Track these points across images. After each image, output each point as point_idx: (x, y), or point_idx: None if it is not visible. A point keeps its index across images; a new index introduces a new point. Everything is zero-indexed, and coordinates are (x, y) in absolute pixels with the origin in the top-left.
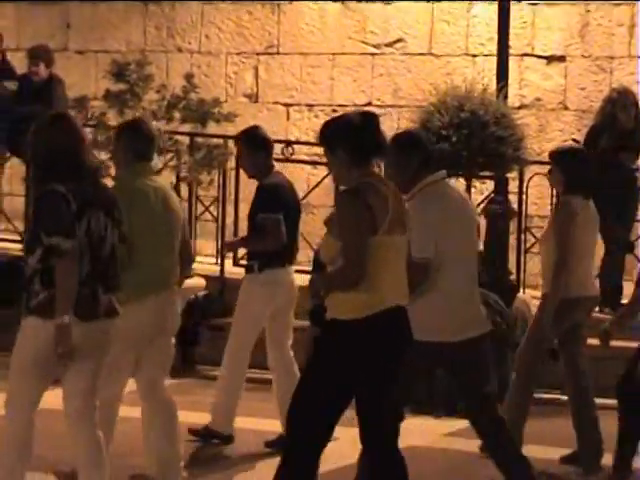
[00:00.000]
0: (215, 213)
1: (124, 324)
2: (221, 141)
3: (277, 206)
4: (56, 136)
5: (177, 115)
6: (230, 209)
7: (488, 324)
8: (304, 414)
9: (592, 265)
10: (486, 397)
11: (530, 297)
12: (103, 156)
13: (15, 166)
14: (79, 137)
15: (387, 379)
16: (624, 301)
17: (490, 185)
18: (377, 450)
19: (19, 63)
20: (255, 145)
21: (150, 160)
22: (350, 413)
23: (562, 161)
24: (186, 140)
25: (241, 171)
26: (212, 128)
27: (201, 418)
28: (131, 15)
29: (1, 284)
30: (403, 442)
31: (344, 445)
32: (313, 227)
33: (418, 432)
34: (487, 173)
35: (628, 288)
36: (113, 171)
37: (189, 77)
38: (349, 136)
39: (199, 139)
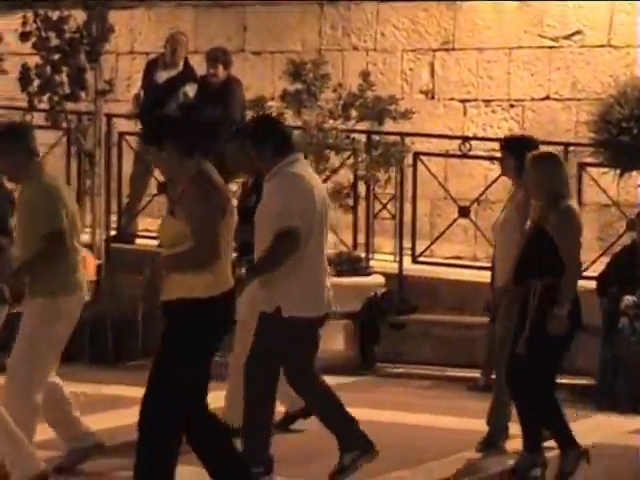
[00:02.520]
0: (393, 211)
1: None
2: (398, 138)
3: None
4: None
5: (354, 113)
6: (408, 207)
7: (331, 306)
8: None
9: None
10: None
11: None
12: None
13: None
14: None
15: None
16: None
17: None
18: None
19: (197, 66)
20: None
21: (38, 155)
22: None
23: (515, 147)
24: (363, 138)
25: (419, 168)
26: (389, 126)
27: (380, 416)
28: (307, 16)
29: None
30: (587, 439)
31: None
32: (490, 222)
33: (602, 429)
34: None
35: None
36: None
37: (365, 75)
38: (173, 129)
39: (376, 137)
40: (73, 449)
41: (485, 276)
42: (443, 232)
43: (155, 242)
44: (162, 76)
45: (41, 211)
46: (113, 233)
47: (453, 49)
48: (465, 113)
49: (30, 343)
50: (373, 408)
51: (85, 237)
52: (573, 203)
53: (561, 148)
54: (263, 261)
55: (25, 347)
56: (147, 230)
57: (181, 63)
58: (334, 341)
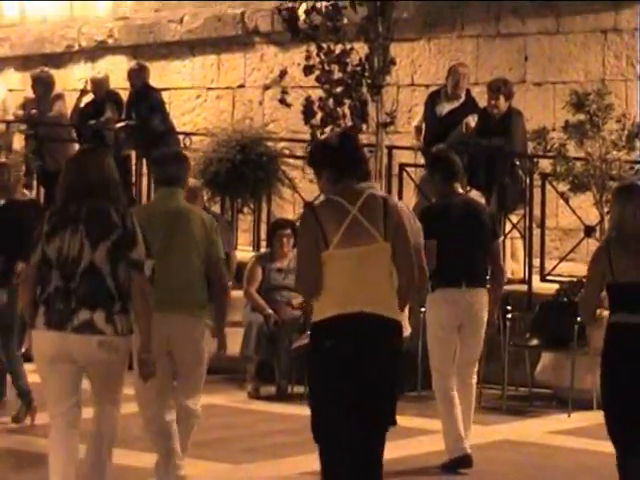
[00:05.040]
0: None
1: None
2: None
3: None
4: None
5: (638, 144)
6: None
7: None
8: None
9: None
10: None
11: None
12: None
13: None
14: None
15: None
16: None
17: None
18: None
19: (477, 97)
20: None
21: (170, 184)
22: None
23: None
24: None
25: None
26: None
27: None
28: (590, 45)
29: None
30: None
31: None
32: None
33: None
34: None
35: None
36: None
37: None
38: (328, 156)
39: None
40: None
41: None
42: None
43: None
44: (445, 108)
45: None
46: None
47: None
48: None
49: None
50: None
51: None
52: None
53: None
54: None
55: None
56: None
57: (463, 95)
58: None
